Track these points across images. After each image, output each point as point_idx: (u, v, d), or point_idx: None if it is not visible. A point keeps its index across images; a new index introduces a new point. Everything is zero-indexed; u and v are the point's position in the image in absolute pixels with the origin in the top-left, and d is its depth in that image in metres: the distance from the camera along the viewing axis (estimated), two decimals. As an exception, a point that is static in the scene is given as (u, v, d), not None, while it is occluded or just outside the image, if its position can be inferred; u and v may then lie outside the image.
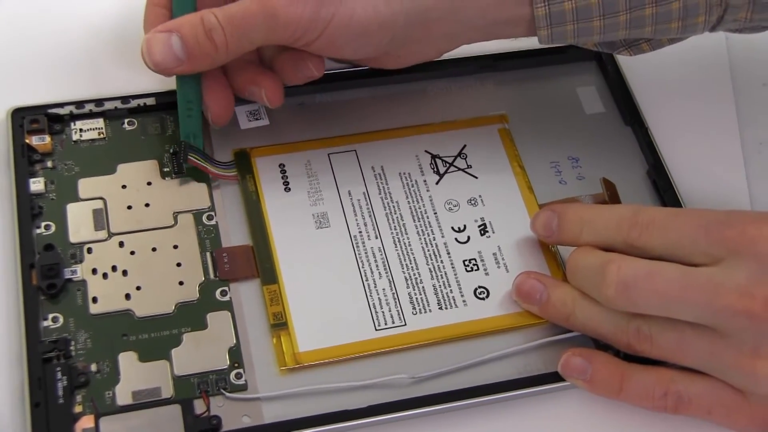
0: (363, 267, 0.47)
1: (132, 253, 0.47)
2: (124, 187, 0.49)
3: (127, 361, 0.44)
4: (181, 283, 0.46)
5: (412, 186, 0.50)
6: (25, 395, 0.42)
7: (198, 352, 0.44)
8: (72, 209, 0.47)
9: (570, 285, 0.46)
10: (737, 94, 0.57)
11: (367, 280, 0.47)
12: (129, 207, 0.48)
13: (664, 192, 0.51)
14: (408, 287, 0.47)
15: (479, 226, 0.49)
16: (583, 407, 0.45)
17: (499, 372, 0.45)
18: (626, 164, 0.53)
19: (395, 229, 0.49)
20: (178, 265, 0.47)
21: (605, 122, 0.55)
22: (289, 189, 0.49)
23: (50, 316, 0.44)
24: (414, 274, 0.48)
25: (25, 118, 0.49)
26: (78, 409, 0.42)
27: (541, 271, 0.48)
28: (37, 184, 0.48)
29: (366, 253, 0.48)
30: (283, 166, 0.50)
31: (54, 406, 0.42)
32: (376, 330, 0.46)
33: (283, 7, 0.45)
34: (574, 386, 0.45)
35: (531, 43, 0.49)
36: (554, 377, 0.45)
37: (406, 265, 0.48)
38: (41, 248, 0.46)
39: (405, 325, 0.46)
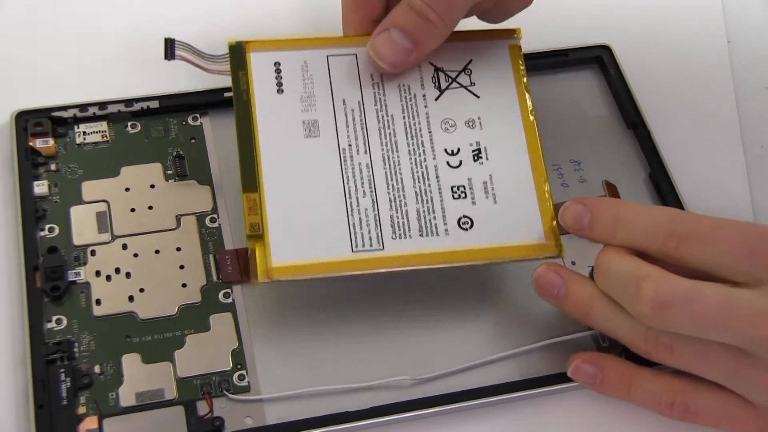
0: (348, 183, 0.45)
1: (135, 255, 0.47)
2: (127, 189, 0.49)
3: (130, 362, 0.44)
4: (184, 285, 0.46)
5: (410, 100, 0.48)
6: (29, 397, 0.42)
7: (201, 354, 0.45)
8: (75, 212, 0.48)
9: (589, 281, 0.44)
10: (739, 97, 0.57)
11: (350, 197, 0.45)
12: (132, 210, 0.48)
13: (666, 195, 0.51)
14: (391, 209, 0.45)
15: (473, 151, 0.47)
16: (586, 409, 0.45)
17: (501, 373, 0.45)
18: (628, 167, 0.53)
19: (386, 145, 0.46)
20: (181, 267, 0.47)
21: (607, 125, 0.55)
22: (282, 91, 0.47)
23: (54, 318, 0.45)
24: (399, 196, 0.46)
25: (28, 121, 0.49)
26: (82, 410, 0.43)
27: (530, 208, 0.46)
28: (40, 187, 0.48)
29: (353, 168, 0.46)
30: (279, 65, 0.47)
31: (58, 408, 0.42)
32: (353, 251, 0.44)
33: None
34: (576, 388, 0.45)
35: (533, 46, 0.49)
36: (556, 379, 0.45)
37: (392, 185, 0.46)
38: (45, 251, 0.46)
39: (383, 249, 0.45)
